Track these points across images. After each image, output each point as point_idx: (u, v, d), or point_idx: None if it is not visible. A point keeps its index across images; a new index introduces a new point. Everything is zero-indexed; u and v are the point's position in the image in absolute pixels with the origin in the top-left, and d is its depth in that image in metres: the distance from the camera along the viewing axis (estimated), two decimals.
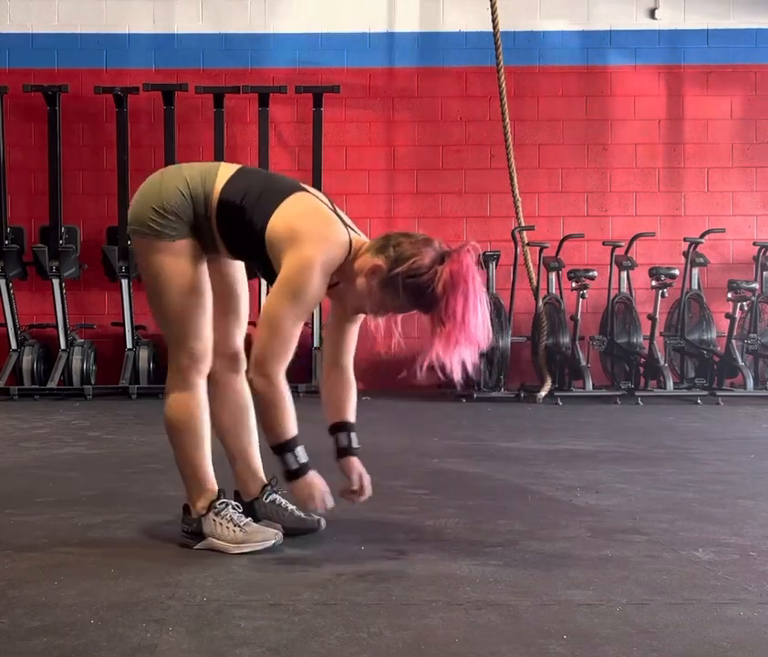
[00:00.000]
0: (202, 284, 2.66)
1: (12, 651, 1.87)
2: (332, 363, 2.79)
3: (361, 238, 2.62)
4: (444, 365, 2.42)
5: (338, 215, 2.62)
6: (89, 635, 1.95)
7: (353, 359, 2.81)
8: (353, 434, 2.77)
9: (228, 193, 2.60)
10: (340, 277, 2.57)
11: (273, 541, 2.62)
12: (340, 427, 2.77)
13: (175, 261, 2.60)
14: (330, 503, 2.62)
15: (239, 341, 2.84)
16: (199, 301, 2.64)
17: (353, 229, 2.62)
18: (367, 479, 2.74)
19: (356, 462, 2.75)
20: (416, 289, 2.45)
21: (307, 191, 2.66)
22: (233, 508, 2.68)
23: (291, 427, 2.54)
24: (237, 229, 2.60)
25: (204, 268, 2.68)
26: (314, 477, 2.60)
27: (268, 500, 2.82)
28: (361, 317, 2.74)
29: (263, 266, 2.62)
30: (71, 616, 2.06)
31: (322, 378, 2.85)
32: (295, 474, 2.56)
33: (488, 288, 7.72)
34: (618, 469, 4.07)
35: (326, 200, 2.67)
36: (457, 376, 2.43)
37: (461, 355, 2.41)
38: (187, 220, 2.60)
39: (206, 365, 2.69)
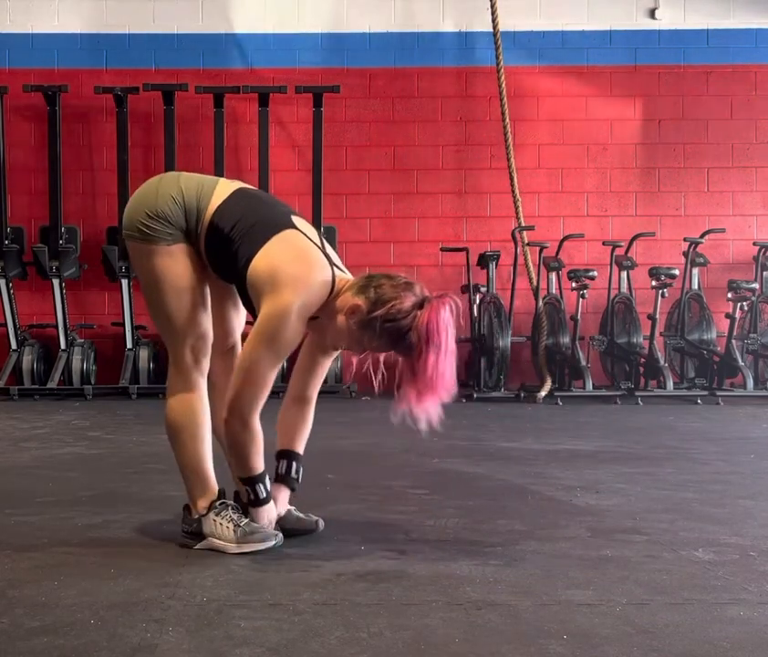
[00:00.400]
0: (199, 282, 2.65)
1: (12, 651, 1.86)
2: (297, 394, 2.81)
3: (345, 276, 2.61)
4: (412, 414, 2.46)
5: (325, 252, 2.60)
6: (89, 635, 1.95)
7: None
8: (294, 464, 2.83)
9: (220, 218, 2.59)
10: (321, 314, 2.57)
11: (273, 542, 2.63)
12: (286, 454, 2.82)
13: (171, 262, 2.59)
14: (274, 519, 2.74)
15: (237, 337, 2.85)
16: (197, 299, 2.64)
17: (338, 266, 2.62)
18: (276, 514, 2.80)
19: (282, 491, 2.82)
20: (394, 333, 2.46)
21: (296, 227, 2.61)
22: (233, 509, 2.68)
23: (261, 462, 2.63)
24: (222, 257, 2.60)
25: (202, 266, 2.67)
26: (272, 503, 2.72)
27: None
28: (335, 352, 2.77)
29: (242, 297, 2.64)
30: (71, 616, 2.06)
31: (283, 404, 2.85)
32: (262, 502, 2.66)
33: (488, 288, 7.74)
34: (618, 469, 4.07)
35: (314, 235, 2.64)
36: (421, 426, 2.48)
37: (426, 409, 2.46)
38: (179, 229, 2.59)
39: (207, 361, 2.70)
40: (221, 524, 2.63)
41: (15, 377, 7.46)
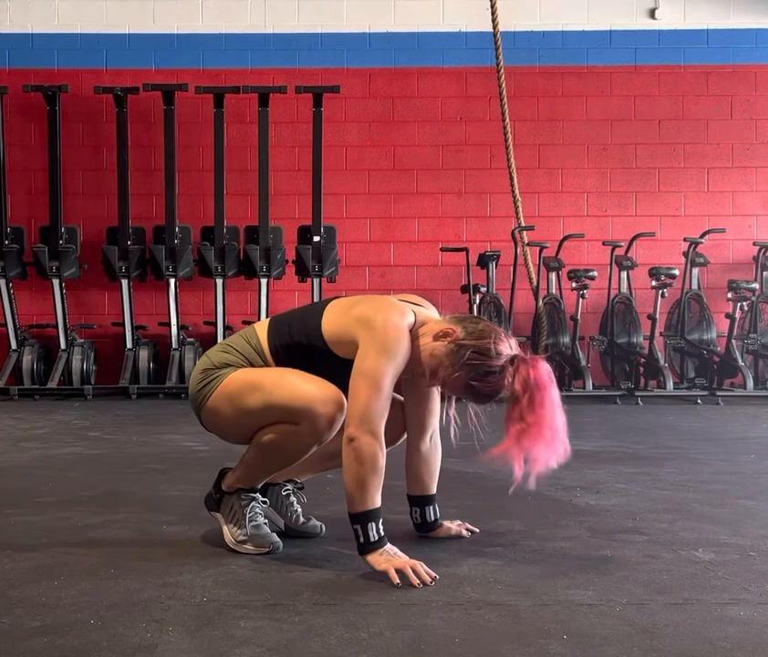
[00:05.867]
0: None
1: (12, 651, 1.86)
2: (422, 431, 2.71)
3: (423, 310, 2.58)
4: (537, 464, 2.38)
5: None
6: (89, 635, 1.94)
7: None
8: (437, 506, 2.80)
9: (275, 338, 2.60)
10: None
11: (266, 550, 2.60)
12: (429, 500, 2.78)
13: (245, 371, 2.57)
14: (403, 565, 2.33)
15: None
16: (288, 371, 2.55)
17: (408, 301, 2.58)
18: (458, 523, 2.83)
19: (444, 525, 2.80)
20: (478, 368, 2.40)
21: (339, 297, 2.67)
22: (260, 507, 2.67)
23: (379, 496, 2.40)
24: (302, 361, 2.55)
25: None
26: (392, 548, 2.39)
27: (285, 493, 2.81)
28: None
29: (338, 373, 2.49)
30: (71, 616, 2.06)
31: (411, 447, 2.74)
32: (374, 544, 2.36)
33: (488, 288, 7.74)
34: (618, 469, 4.07)
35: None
36: (542, 472, 2.39)
37: (552, 454, 2.39)
38: (242, 365, 2.59)
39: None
40: (235, 513, 2.63)
41: (15, 377, 7.46)
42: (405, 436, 2.74)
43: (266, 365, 2.59)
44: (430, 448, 2.75)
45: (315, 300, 7.36)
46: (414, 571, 2.30)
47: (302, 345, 2.56)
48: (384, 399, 2.39)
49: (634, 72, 8.37)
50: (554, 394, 2.40)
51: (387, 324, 2.42)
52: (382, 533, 2.38)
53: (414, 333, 2.50)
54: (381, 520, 2.39)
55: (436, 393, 2.70)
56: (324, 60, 8.26)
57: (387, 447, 2.63)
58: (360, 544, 2.37)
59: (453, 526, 2.81)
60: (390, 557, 2.34)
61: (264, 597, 2.21)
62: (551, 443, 2.38)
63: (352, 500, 2.38)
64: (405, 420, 2.71)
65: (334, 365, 2.52)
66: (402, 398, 2.70)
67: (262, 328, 2.66)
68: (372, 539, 2.36)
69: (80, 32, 8.23)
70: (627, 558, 2.57)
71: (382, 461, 2.39)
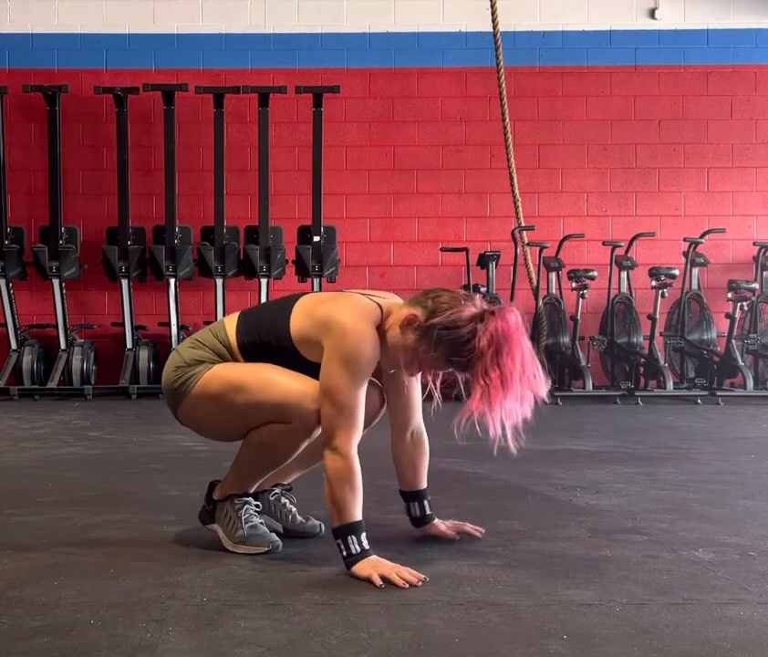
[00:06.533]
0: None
1: (12, 651, 1.86)
2: (403, 426, 2.73)
3: (389, 300, 2.56)
4: (509, 419, 2.34)
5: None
6: (89, 635, 1.94)
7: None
8: (426, 502, 2.79)
9: (244, 335, 2.59)
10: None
11: (266, 549, 2.60)
12: (416, 495, 2.79)
13: (228, 366, 2.56)
14: (417, 578, 2.31)
15: None
16: (266, 367, 2.55)
17: (374, 295, 2.57)
18: (451, 523, 2.81)
19: (437, 523, 2.79)
20: (452, 342, 2.37)
21: (307, 293, 2.66)
22: (254, 509, 2.67)
23: (359, 509, 2.39)
24: (271, 360, 2.55)
25: None
26: (375, 557, 2.38)
27: (274, 497, 2.81)
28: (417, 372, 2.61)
29: (308, 373, 2.50)
30: (71, 616, 2.06)
31: (394, 442, 2.76)
32: (356, 557, 2.35)
33: (488, 288, 7.74)
34: (618, 469, 4.07)
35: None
36: (518, 424, 2.35)
37: (524, 403, 2.34)
38: (213, 360, 2.59)
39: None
40: (230, 517, 2.64)
41: (15, 377, 7.46)
42: (382, 413, 2.72)
43: (235, 361, 2.59)
44: (411, 444, 2.76)
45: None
46: (399, 575, 2.29)
47: (271, 345, 2.56)
48: (348, 410, 2.38)
49: (634, 72, 8.37)
50: (522, 342, 2.34)
51: (350, 328, 2.40)
52: (365, 546, 2.37)
53: (382, 328, 2.48)
54: (364, 534, 2.38)
55: (416, 388, 2.69)
56: (324, 60, 8.26)
57: (364, 427, 2.57)
58: (344, 557, 2.37)
59: (450, 532, 2.79)
60: (375, 564, 2.34)
61: (264, 597, 2.21)
62: (520, 393, 2.33)
63: (331, 517, 2.41)
64: (382, 399, 2.69)
65: (302, 367, 2.52)
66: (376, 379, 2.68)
67: (231, 323, 2.64)
68: (354, 552, 2.35)
69: (80, 32, 8.23)
70: (627, 558, 2.57)
71: (349, 475, 2.37)
